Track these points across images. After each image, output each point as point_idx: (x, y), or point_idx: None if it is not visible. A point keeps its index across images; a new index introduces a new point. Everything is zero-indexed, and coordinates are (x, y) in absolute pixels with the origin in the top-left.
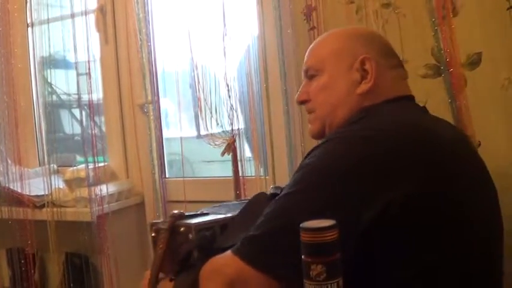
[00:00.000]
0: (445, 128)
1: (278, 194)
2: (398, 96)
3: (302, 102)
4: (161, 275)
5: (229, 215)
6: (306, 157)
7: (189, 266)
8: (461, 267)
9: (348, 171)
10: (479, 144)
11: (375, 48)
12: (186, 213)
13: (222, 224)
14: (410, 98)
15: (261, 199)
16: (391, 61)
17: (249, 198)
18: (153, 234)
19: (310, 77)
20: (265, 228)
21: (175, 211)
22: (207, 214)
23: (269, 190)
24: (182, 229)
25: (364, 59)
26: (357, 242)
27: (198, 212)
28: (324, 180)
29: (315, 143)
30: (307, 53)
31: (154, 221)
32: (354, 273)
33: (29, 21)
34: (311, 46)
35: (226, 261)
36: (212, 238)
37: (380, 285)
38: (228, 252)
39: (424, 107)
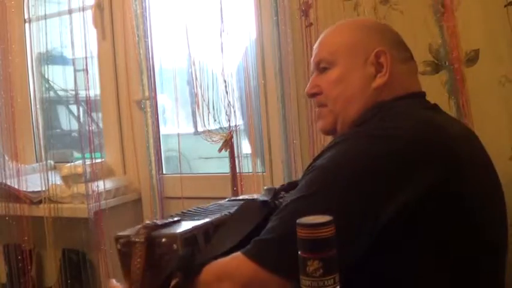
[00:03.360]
0: (456, 126)
1: (268, 202)
2: (411, 93)
3: (313, 95)
4: None
5: (207, 219)
6: (317, 158)
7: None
8: (470, 267)
9: (361, 172)
10: None
11: (388, 40)
12: (158, 222)
13: (205, 231)
14: (422, 95)
15: (251, 207)
16: (403, 54)
17: (227, 198)
18: (120, 248)
19: (322, 69)
20: (279, 231)
21: (148, 221)
22: (179, 221)
23: (261, 192)
24: (164, 240)
25: (379, 52)
26: (371, 241)
27: (170, 220)
28: (338, 182)
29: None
30: (317, 45)
31: (120, 234)
32: (366, 271)
33: (26, 17)
34: (321, 38)
35: (238, 264)
36: (193, 254)
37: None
38: (239, 255)
39: (436, 104)
